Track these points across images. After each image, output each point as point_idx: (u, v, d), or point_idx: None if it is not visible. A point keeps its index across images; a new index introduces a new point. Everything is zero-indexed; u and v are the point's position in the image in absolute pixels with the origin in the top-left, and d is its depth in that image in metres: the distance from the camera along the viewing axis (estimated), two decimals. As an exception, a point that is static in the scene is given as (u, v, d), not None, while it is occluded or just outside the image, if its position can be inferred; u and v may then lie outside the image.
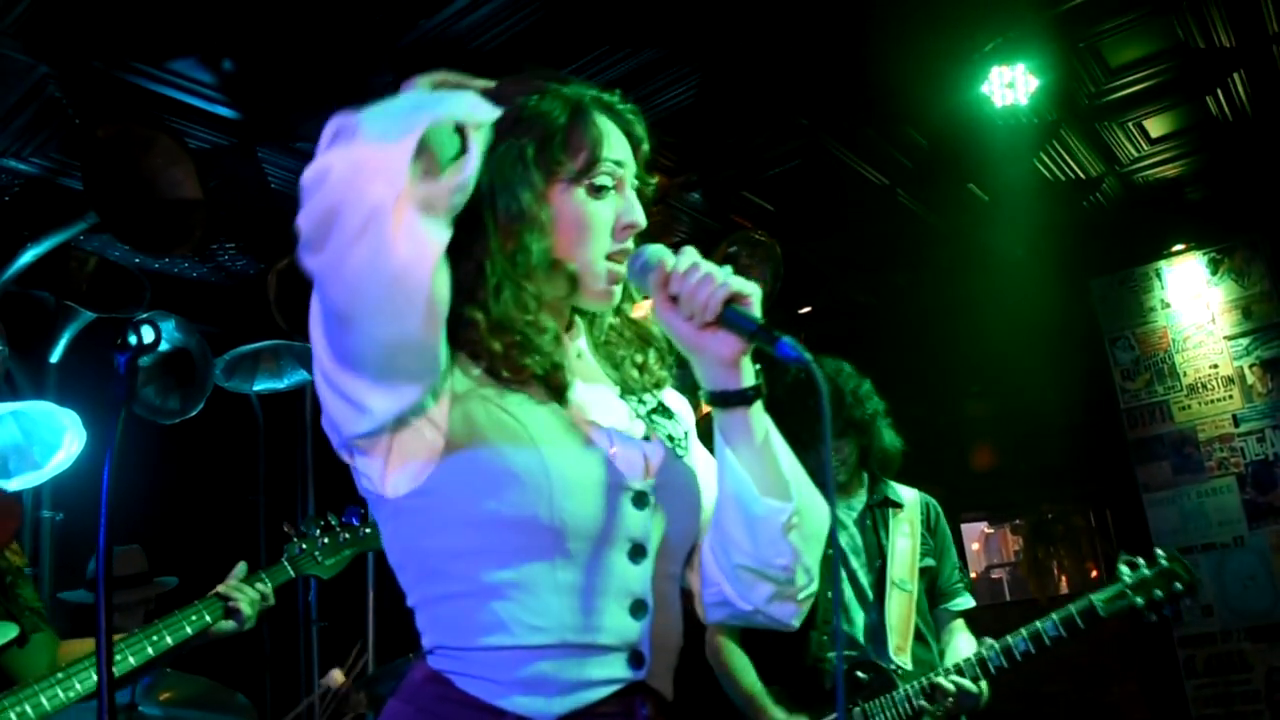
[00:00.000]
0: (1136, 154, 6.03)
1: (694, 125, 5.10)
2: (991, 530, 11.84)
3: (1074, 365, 7.12)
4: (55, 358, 4.86)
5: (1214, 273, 6.75)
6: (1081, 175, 6.16)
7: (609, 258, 1.50)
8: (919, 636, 3.38)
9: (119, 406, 1.39)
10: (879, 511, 3.51)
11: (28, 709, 2.53)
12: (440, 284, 1.25)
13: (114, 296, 4.96)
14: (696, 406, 1.65)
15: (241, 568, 2.99)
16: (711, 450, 1.61)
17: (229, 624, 2.87)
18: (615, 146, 1.52)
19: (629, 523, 1.43)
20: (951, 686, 3.15)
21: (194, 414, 4.86)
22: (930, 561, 3.51)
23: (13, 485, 4.24)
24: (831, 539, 1.49)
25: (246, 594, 2.87)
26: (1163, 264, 6.92)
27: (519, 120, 1.47)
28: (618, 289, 1.53)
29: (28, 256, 4.47)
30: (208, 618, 2.81)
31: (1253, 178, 6.34)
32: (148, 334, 1.50)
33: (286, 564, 3.04)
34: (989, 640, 3.27)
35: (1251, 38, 4.89)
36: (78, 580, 4.51)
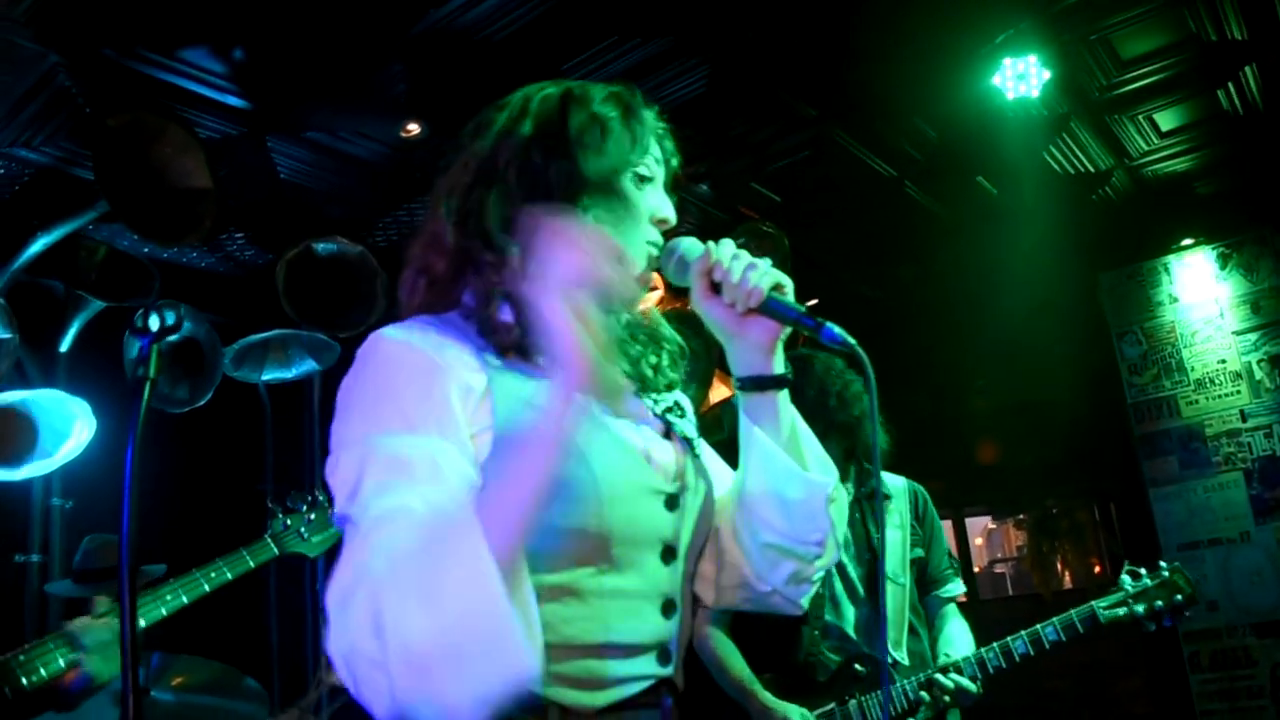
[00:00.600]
0: (1147, 147, 6.02)
1: (703, 116, 5.10)
2: (995, 525, 11.85)
3: (1081, 359, 7.12)
4: (65, 347, 4.87)
5: (1223, 267, 6.74)
6: (1091, 169, 6.15)
7: (648, 243, 1.54)
8: (911, 629, 3.42)
9: (141, 386, 1.39)
10: (868, 504, 3.51)
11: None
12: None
13: (123, 286, 4.97)
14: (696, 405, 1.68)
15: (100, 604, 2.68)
16: (711, 444, 1.68)
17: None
18: (654, 139, 1.57)
19: (662, 525, 1.48)
20: (950, 684, 3.19)
21: (202, 403, 4.86)
22: (920, 551, 3.53)
23: (23, 473, 4.26)
24: (878, 520, 1.54)
25: (92, 636, 2.50)
26: (1171, 258, 6.91)
27: (575, 101, 1.52)
28: (648, 276, 1.56)
29: (38, 245, 4.48)
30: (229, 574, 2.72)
31: (1264, 172, 6.32)
32: (169, 317, 1.50)
33: (270, 541, 2.89)
34: (992, 644, 3.29)
35: (1264, 30, 4.87)
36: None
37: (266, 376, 5.50)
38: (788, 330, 1.51)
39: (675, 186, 1.63)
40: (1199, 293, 6.79)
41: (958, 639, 3.39)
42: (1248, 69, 5.25)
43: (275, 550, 2.86)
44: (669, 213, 1.56)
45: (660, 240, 1.55)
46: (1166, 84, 5.33)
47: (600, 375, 1.22)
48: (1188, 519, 6.57)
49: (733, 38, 4.56)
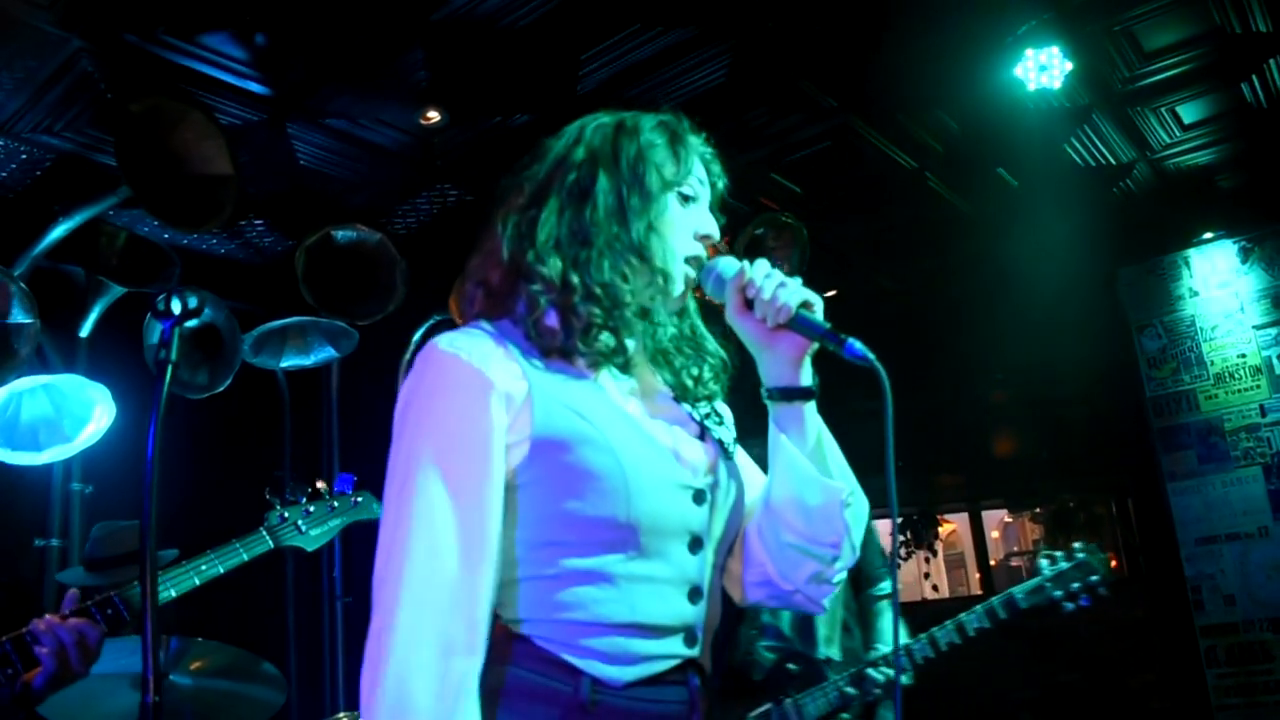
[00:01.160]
0: (1169, 140, 5.97)
1: (723, 106, 5.08)
2: (1012, 519, 11.82)
3: (1100, 353, 7.09)
4: (85, 332, 4.90)
5: (1244, 261, 6.70)
6: (1112, 161, 6.11)
7: (686, 261, 1.67)
8: (844, 627, 3.47)
9: (163, 370, 1.40)
10: None
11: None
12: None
13: (144, 271, 4.99)
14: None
15: (71, 596, 2.57)
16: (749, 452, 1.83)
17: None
18: (701, 162, 1.73)
19: (690, 517, 1.60)
20: (881, 678, 3.25)
21: (221, 389, 4.88)
22: None
23: (43, 458, 4.29)
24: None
25: (57, 635, 2.42)
26: (1192, 252, 6.87)
27: (627, 129, 1.70)
28: (688, 289, 1.70)
29: (59, 231, 4.50)
30: (244, 555, 2.70)
31: (1286, 166, 6.28)
32: (191, 301, 1.51)
33: (265, 533, 2.79)
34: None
35: (1289, 23, 4.83)
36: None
37: (285, 363, 5.52)
38: (815, 345, 1.61)
39: (721, 207, 1.77)
40: (1219, 287, 6.75)
41: (889, 632, 3.49)
42: (1272, 62, 5.20)
43: (270, 543, 2.77)
44: (711, 229, 1.70)
45: (703, 256, 1.69)
46: (1189, 76, 5.29)
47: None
48: (1205, 513, 6.55)
49: (754, 28, 4.54)
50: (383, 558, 1.50)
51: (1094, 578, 3.37)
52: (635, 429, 1.59)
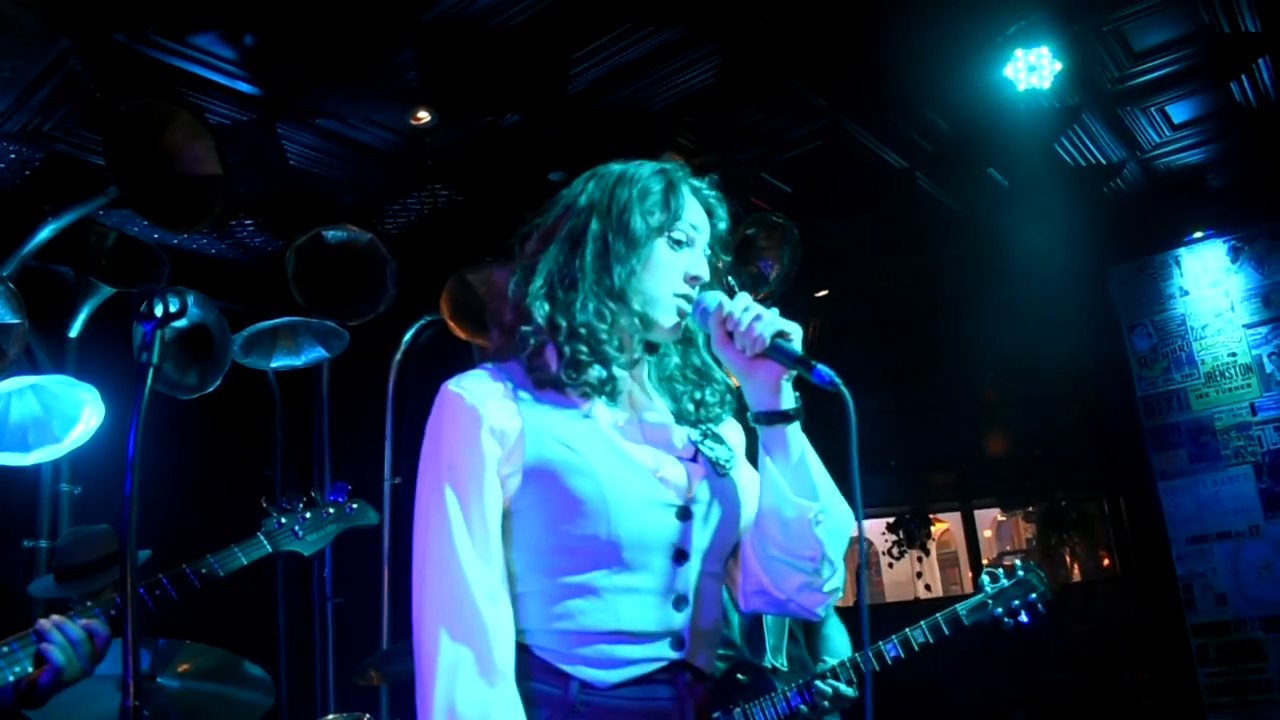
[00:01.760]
0: (1159, 139, 5.98)
1: (713, 106, 5.08)
2: (1005, 517, 11.84)
3: (1091, 352, 7.11)
4: (74, 332, 4.88)
5: (1234, 260, 6.71)
6: (1102, 161, 6.12)
7: (676, 297, 1.82)
8: (790, 635, 3.49)
9: (145, 371, 1.40)
10: None
11: None
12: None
13: (133, 271, 4.98)
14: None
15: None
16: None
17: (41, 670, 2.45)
18: (694, 214, 1.87)
19: (672, 533, 1.74)
20: (829, 690, 3.29)
21: (211, 389, 4.87)
22: None
23: (32, 459, 4.27)
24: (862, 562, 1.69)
25: (64, 633, 2.47)
26: (1183, 251, 6.88)
27: (626, 178, 1.86)
28: (680, 324, 1.84)
29: (47, 231, 4.48)
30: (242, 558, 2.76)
31: (1276, 165, 6.28)
32: (173, 303, 1.51)
33: (263, 539, 2.87)
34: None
35: (1278, 22, 4.83)
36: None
37: (276, 364, 5.51)
38: (793, 371, 1.73)
39: (723, 245, 1.93)
40: (1210, 286, 6.76)
41: (837, 639, 3.55)
42: (1261, 61, 5.21)
43: (269, 548, 2.85)
44: (700, 271, 1.84)
45: (692, 294, 1.82)
46: (1179, 76, 5.29)
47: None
48: (1197, 512, 6.56)
49: (744, 27, 4.54)
50: (417, 585, 1.72)
51: (1033, 595, 3.49)
52: (618, 454, 1.75)
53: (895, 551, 9.23)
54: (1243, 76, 5.35)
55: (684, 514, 1.75)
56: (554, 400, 1.78)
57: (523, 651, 1.71)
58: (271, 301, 5.36)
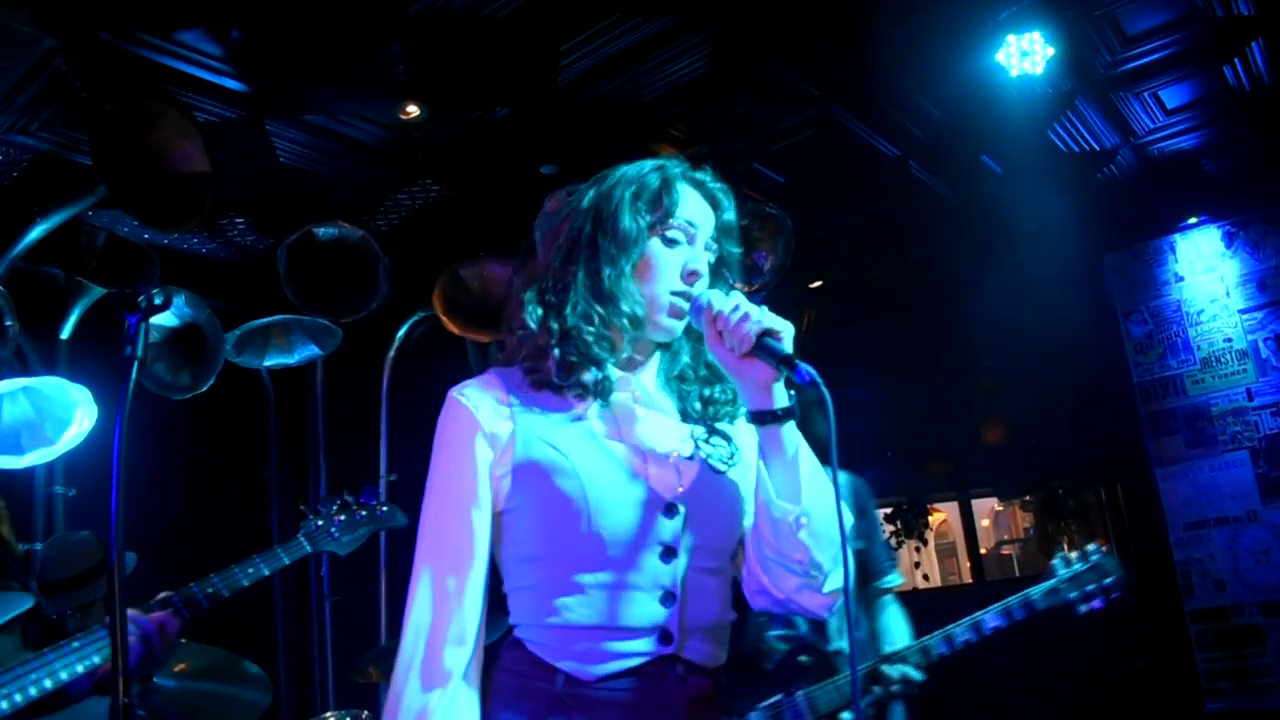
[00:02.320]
0: (1152, 125, 5.96)
1: (704, 96, 5.06)
2: (1002, 507, 11.84)
3: (1086, 339, 7.09)
4: (66, 334, 4.85)
5: (1229, 246, 6.70)
6: (1096, 147, 6.10)
7: (673, 294, 1.82)
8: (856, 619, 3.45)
9: (130, 365, 1.38)
10: None
11: (45, 682, 2.55)
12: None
13: (124, 272, 4.95)
14: None
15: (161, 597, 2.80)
16: None
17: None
18: (691, 209, 1.87)
19: (660, 529, 1.75)
20: (896, 674, 3.23)
21: (204, 389, 4.84)
22: (861, 544, 3.58)
23: (25, 461, 4.24)
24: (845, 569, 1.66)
25: (140, 627, 2.66)
26: (1177, 237, 6.87)
27: (623, 179, 1.88)
28: (679, 323, 1.84)
29: (36, 232, 4.45)
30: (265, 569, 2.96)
31: (1270, 149, 6.26)
32: (157, 296, 1.50)
33: (304, 540, 3.12)
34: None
35: (1272, 5, 4.81)
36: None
37: (269, 362, 5.49)
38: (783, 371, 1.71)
39: (730, 237, 1.91)
40: (1205, 271, 6.75)
41: (896, 628, 3.49)
42: (1254, 44, 5.19)
43: (309, 548, 3.11)
44: (698, 266, 1.84)
45: (691, 291, 1.83)
46: (1172, 60, 5.26)
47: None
48: (1194, 498, 6.55)
49: (734, 16, 4.52)
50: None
51: (1108, 580, 3.38)
52: (604, 454, 1.77)
53: (893, 542, 9.23)
54: (1236, 60, 5.32)
55: (671, 511, 1.76)
56: (547, 403, 1.82)
57: (515, 645, 1.79)
58: (263, 300, 5.33)
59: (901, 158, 5.93)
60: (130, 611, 2.59)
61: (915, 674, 3.26)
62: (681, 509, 1.77)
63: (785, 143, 5.66)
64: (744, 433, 1.91)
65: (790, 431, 1.75)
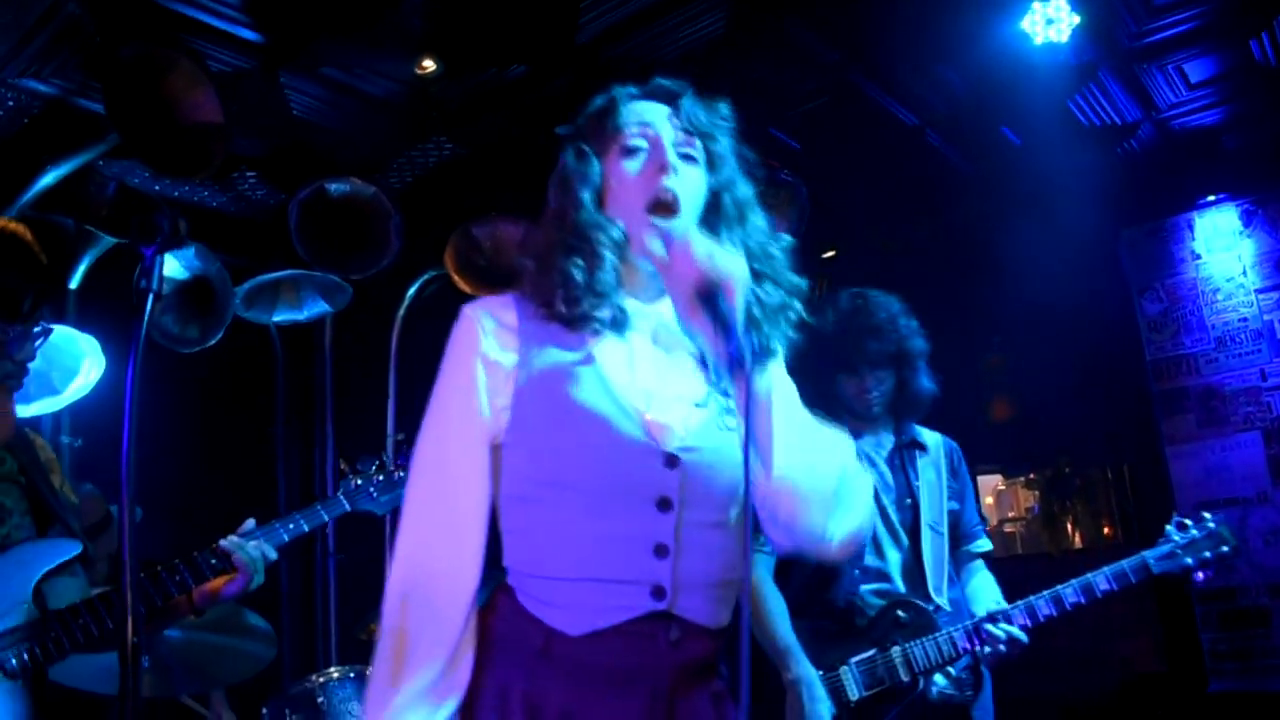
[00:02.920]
0: (1175, 99, 5.88)
1: (720, 59, 5.00)
2: (1005, 485, 11.82)
3: (1100, 316, 7.03)
4: (75, 283, 4.83)
5: (1247, 224, 6.63)
6: (1117, 121, 6.03)
7: (650, 210, 1.73)
8: (950, 578, 3.38)
9: (144, 299, 1.34)
10: (906, 452, 3.52)
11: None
12: None
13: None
14: None
15: (249, 524, 2.92)
16: None
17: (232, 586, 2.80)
18: (639, 112, 1.82)
19: (657, 480, 1.67)
20: (1002, 634, 3.15)
21: (213, 343, 4.82)
22: (955, 505, 3.53)
23: (32, 410, 4.23)
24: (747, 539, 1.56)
25: (246, 552, 2.80)
26: (1195, 214, 6.80)
27: (589, 114, 1.86)
28: (661, 244, 1.71)
29: (47, 179, 4.43)
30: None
31: (1293, 127, 6.20)
32: (180, 223, 1.47)
33: (343, 498, 3.14)
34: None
35: (1301, -22, 4.75)
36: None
37: (278, 318, 5.45)
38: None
39: (709, 119, 1.87)
40: (1222, 250, 6.69)
41: (987, 592, 3.40)
42: (1281, 19, 5.12)
43: (347, 506, 3.13)
44: (661, 158, 1.76)
45: (666, 198, 1.74)
46: (1198, 33, 5.18)
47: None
48: (1204, 478, 6.52)
49: (755, -23, 4.46)
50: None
51: (1225, 548, 3.27)
52: (606, 397, 1.69)
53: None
54: (1263, 34, 5.24)
55: (672, 462, 1.67)
56: (555, 337, 1.74)
57: (505, 593, 1.75)
58: (273, 255, 5.31)
59: (919, 126, 5.86)
60: (233, 539, 2.78)
61: (1020, 635, 3.16)
62: (683, 460, 1.68)
63: (802, 108, 5.59)
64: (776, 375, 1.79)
65: (762, 380, 1.63)
